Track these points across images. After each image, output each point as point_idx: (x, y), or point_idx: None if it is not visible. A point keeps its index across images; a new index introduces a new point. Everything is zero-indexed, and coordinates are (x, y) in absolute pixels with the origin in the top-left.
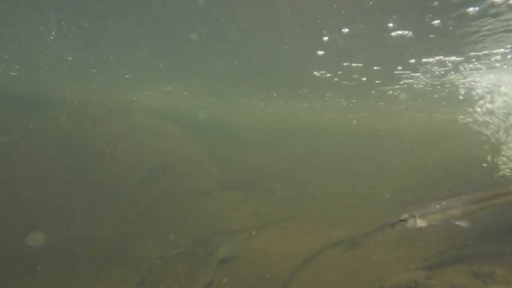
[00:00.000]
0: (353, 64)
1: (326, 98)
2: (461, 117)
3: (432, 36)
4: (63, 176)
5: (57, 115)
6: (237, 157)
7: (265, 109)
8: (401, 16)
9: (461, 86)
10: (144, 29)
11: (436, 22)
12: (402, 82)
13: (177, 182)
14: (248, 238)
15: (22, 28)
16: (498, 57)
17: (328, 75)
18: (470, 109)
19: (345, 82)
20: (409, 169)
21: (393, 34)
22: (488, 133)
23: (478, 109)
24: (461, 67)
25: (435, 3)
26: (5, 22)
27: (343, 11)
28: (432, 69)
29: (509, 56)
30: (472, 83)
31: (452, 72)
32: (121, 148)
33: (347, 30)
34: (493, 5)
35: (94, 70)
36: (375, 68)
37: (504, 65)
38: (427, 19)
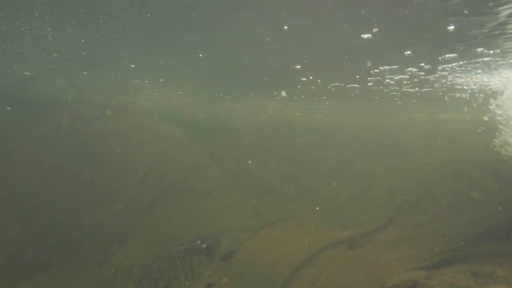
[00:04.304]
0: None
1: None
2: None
3: None
4: (63, 176)
5: (58, 115)
6: (237, 157)
7: (264, 108)
8: None
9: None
10: (148, 28)
11: None
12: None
13: (177, 182)
14: (248, 238)
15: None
16: None
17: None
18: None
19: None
20: (409, 169)
21: None
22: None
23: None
24: None
25: None
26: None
27: None
28: None
29: None
30: None
31: None
32: (122, 147)
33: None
34: None
35: (96, 69)
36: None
37: None
38: None
